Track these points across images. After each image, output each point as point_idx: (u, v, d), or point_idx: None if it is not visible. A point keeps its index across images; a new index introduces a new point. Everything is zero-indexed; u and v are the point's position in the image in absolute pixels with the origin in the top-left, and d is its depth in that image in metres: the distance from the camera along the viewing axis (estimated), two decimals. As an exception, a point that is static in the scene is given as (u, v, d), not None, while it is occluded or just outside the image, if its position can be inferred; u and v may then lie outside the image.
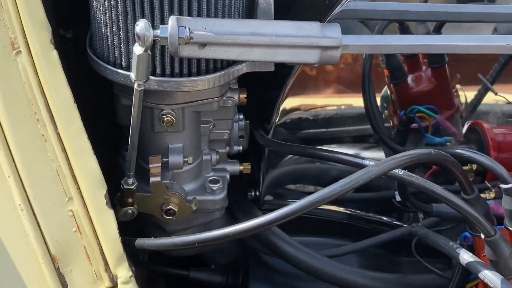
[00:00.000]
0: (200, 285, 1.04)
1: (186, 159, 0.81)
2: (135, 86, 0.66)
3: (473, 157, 0.76)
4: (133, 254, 1.00)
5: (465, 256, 0.73)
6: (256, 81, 0.92)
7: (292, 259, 0.90)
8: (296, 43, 0.70)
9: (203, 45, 0.66)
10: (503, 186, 0.71)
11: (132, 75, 0.65)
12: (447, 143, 1.08)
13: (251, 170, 1.03)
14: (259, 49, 0.69)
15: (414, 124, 1.13)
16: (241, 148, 0.93)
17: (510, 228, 0.74)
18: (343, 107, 1.53)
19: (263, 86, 0.93)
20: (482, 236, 0.71)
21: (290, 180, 1.12)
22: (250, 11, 0.75)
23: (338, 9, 0.82)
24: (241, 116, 0.92)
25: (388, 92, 1.20)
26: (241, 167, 0.90)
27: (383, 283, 0.91)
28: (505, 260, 0.71)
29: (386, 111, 1.23)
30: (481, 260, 0.72)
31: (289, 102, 1.53)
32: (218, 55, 0.68)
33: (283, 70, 0.85)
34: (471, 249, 0.79)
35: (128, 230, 0.78)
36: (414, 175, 0.70)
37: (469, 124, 1.11)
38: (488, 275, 0.69)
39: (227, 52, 0.68)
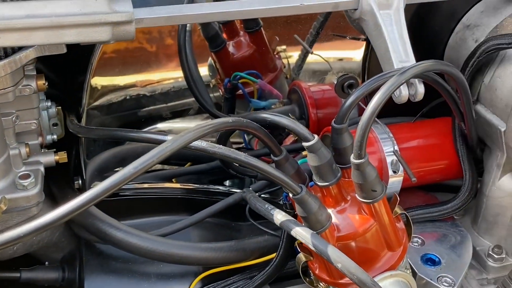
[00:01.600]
0: (39, 285, 1.00)
1: (-15, 157, 0.77)
2: None
3: (275, 120, 0.77)
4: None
5: (278, 216, 0.75)
6: (62, 66, 0.89)
7: (123, 244, 0.89)
8: (81, 21, 0.68)
9: (-30, 33, 0.62)
10: (305, 144, 0.73)
11: None
12: (272, 106, 1.11)
13: (78, 157, 1.01)
14: (40, 32, 0.66)
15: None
16: (55, 136, 0.89)
17: (318, 183, 0.76)
18: (181, 79, 1.54)
19: (70, 70, 0.91)
20: (290, 195, 0.74)
21: (117, 163, 1.10)
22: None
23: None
24: (49, 103, 0.88)
25: (212, 60, 1.21)
26: (57, 157, 0.86)
27: (216, 252, 0.93)
28: (315, 215, 0.73)
29: (213, 80, 1.24)
30: (292, 218, 0.75)
31: (128, 80, 1.52)
32: None
33: (83, 51, 0.83)
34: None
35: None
36: (217, 146, 0.71)
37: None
38: (298, 231, 0.72)
39: (2, 39, 0.64)
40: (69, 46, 0.72)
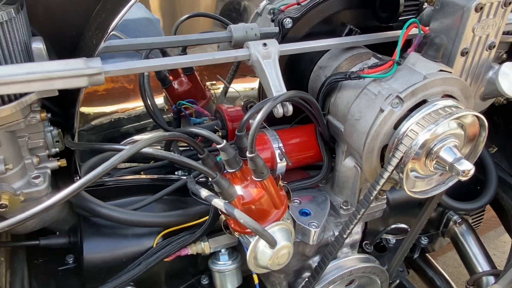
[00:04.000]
0: (53, 248, 0.97)
1: (8, 166, 0.75)
2: None
3: (197, 132, 0.77)
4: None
5: (204, 193, 0.75)
6: (59, 103, 0.88)
7: (107, 217, 0.88)
8: (65, 74, 0.67)
9: (-13, 86, 0.61)
10: (218, 146, 0.74)
11: None
12: (204, 121, 1.10)
13: (74, 163, 0.99)
14: (37, 83, 0.65)
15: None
16: (57, 149, 0.86)
17: (229, 171, 0.77)
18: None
19: (64, 106, 0.89)
20: (210, 179, 0.74)
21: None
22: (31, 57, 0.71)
23: (102, 45, 0.81)
24: (52, 128, 0.84)
25: (165, 94, 1.20)
26: (59, 163, 0.84)
27: (170, 218, 0.93)
28: (226, 191, 0.75)
29: (166, 106, 1.23)
30: (212, 194, 0.75)
31: (112, 108, 1.49)
32: (3, 91, 0.62)
33: (72, 93, 0.81)
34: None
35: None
36: (159, 151, 0.71)
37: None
38: (216, 201, 0.73)
39: (10, 89, 0.63)
40: (61, 90, 0.69)
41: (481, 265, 1.22)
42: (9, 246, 0.95)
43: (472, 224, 1.33)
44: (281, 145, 0.93)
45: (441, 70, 0.81)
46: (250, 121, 0.77)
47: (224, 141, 0.74)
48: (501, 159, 1.32)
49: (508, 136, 1.31)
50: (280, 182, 0.83)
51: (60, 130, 0.88)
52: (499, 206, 1.28)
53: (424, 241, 1.31)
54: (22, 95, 0.69)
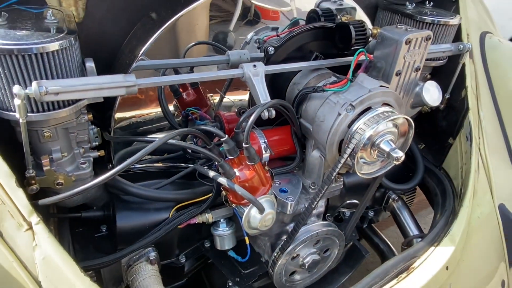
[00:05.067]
0: (91, 219, 1.03)
1: (63, 154, 0.82)
2: (20, 121, 0.66)
3: (207, 129, 0.85)
4: (46, 210, 0.97)
5: (211, 174, 0.84)
6: (100, 107, 0.94)
7: (135, 194, 0.95)
8: (110, 86, 0.74)
9: (56, 93, 0.68)
10: (222, 139, 0.81)
11: (17, 115, 0.65)
12: (206, 123, 1.13)
13: (109, 153, 1.06)
14: (90, 91, 0.73)
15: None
16: (97, 143, 0.92)
17: (229, 157, 0.85)
18: (159, 112, 1.57)
19: (103, 109, 0.96)
20: (216, 163, 0.83)
21: (130, 155, 1.10)
22: (84, 72, 0.78)
23: (134, 65, 0.89)
24: (93, 126, 0.91)
25: (176, 102, 1.27)
26: (99, 153, 0.91)
27: (182, 195, 1.00)
28: (228, 171, 0.83)
29: (176, 112, 1.30)
30: (218, 174, 0.83)
31: (130, 114, 1.54)
32: (67, 97, 0.70)
33: (110, 99, 0.89)
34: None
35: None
36: (181, 142, 0.79)
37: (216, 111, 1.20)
38: (221, 179, 0.82)
39: (72, 95, 0.70)
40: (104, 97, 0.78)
41: (412, 231, 1.34)
42: (57, 217, 1.00)
43: (406, 201, 1.45)
44: (266, 140, 1.00)
45: (381, 86, 0.92)
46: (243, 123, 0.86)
47: (226, 135, 0.83)
48: (427, 154, 1.44)
49: (432, 136, 1.43)
50: (266, 167, 0.92)
51: (99, 128, 0.95)
52: (426, 188, 1.41)
53: (371, 214, 1.42)
54: (76, 100, 0.77)
